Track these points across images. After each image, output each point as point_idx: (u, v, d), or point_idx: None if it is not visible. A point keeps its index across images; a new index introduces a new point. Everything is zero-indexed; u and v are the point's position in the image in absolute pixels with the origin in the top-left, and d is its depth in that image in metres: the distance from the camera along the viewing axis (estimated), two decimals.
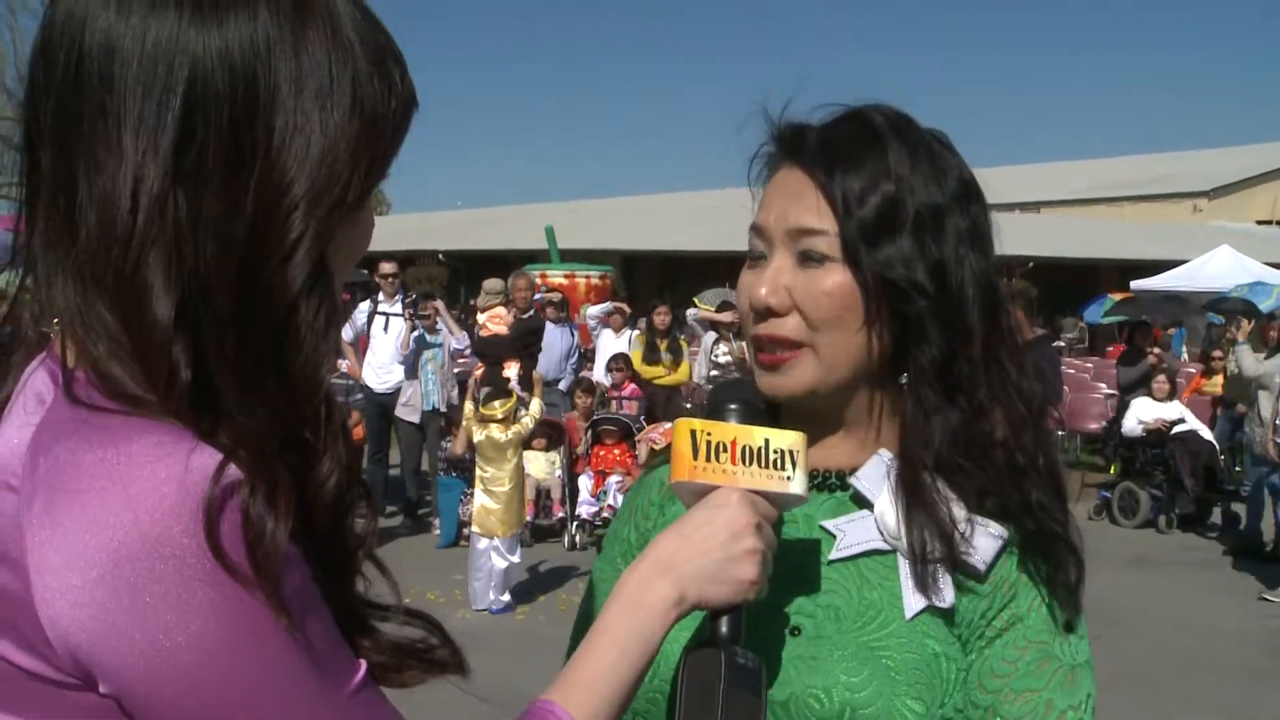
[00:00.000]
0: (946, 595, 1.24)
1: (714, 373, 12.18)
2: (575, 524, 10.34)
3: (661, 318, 12.93)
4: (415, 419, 10.89)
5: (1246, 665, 7.42)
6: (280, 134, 0.91)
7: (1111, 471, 12.28)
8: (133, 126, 0.88)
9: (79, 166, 0.89)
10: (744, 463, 1.17)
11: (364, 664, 0.95)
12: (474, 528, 8.29)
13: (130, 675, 0.83)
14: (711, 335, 12.62)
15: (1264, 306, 16.67)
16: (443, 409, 11.12)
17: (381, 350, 10.92)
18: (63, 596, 0.82)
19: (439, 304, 11.63)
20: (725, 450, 1.17)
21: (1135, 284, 22.45)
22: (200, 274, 0.89)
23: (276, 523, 0.86)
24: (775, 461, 1.18)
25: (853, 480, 1.32)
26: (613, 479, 10.50)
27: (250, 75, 0.90)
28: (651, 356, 12.67)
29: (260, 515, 0.85)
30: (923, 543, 1.25)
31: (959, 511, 1.25)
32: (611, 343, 13.48)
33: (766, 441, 1.18)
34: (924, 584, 1.24)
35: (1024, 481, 1.27)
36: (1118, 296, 23.27)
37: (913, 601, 1.25)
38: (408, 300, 11.12)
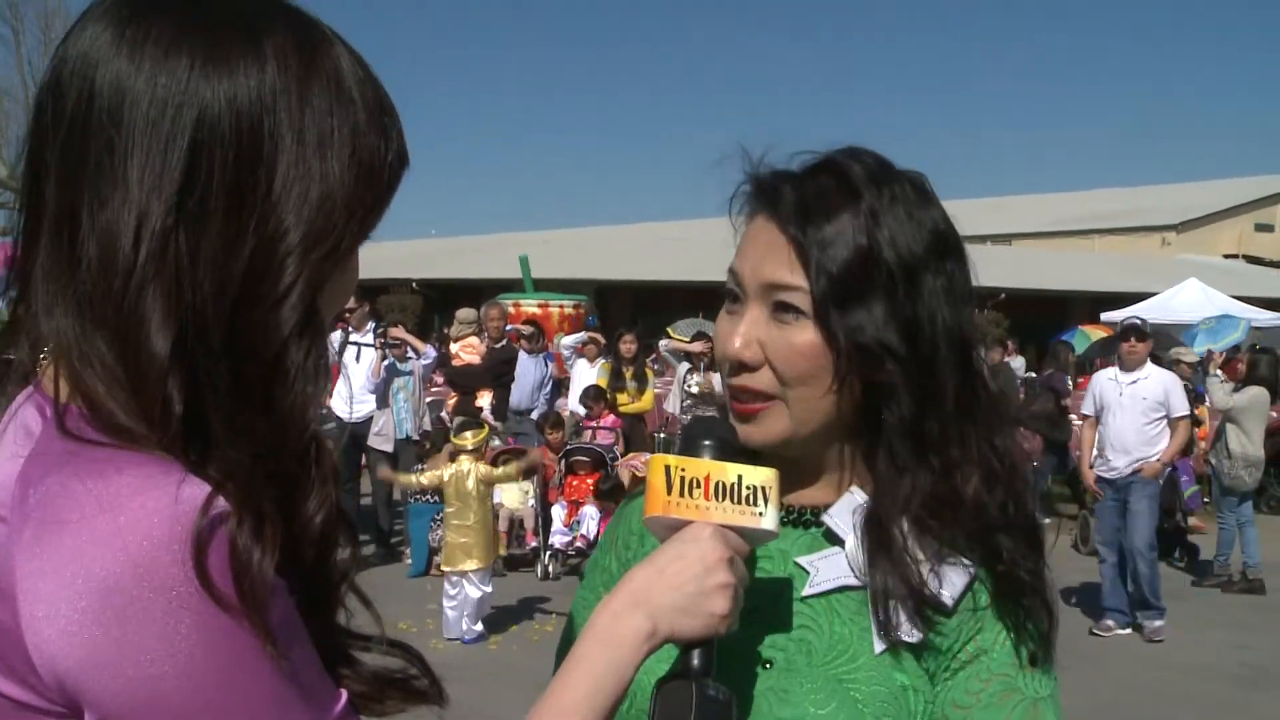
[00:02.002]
0: (914, 631, 1.26)
1: (687, 402, 12.20)
2: (548, 554, 10.32)
3: (627, 346, 12.93)
4: (389, 448, 10.86)
5: (1215, 698, 7.45)
6: (281, 180, 0.94)
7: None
8: (139, 165, 0.90)
9: (83, 201, 0.91)
10: (717, 498, 1.19)
11: (345, 693, 0.97)
12: (444, 566, 8.27)
13: (117, 704, 0.84)
14: (685, 366, 12.65)
15: (1230, 340, 16.90)
16: (415, 437, 11.11)
17: (353, 380, 10.91)
18: (51, 625, 0.83)
19: (399, 330, 11.60)
20: (699, 486, 1.19)
21: (1106, 316, 22.63)
22: (197, 311, 0.91)
23: (263, 554, 0.87)
24: (748, 497, 1.19)
25: (825, 518, 1.33)
26: (586, 509, 10.49)
27: (255, 123, 0.93)
28: (617, 384, 12.67)
29: (247, 546, 0.86)
30: (886, 585, 1.26)
31: (925, 554, 1.26)
32: (586, 372, 13.49)
33: (739, 478, 1.20)
34: (888, 623, 1.26)
35: (995, 536, 1.29)
36: (1090, 329, 23.44)
37: (879, 638, 1.26)
38: (379, 330, 11.13)
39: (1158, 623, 8.75)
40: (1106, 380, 9.11)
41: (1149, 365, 8.94)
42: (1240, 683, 7.79)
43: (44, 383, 0.95)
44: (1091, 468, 9.12)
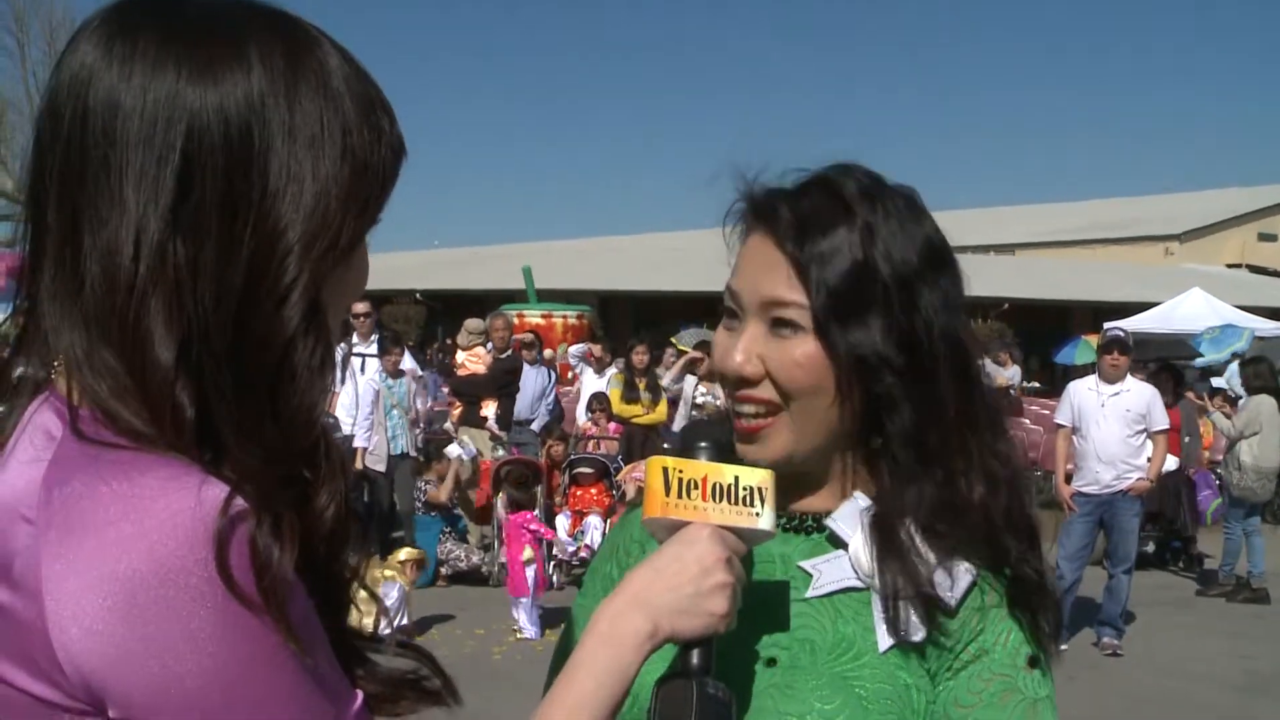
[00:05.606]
0: (918, 631, 1.28)
1: (694, 414, 12.16)
2: (553, 564, 10.31)
3: (640, 357, 12.91)
4: (381, 467, 10.84)
5: (1222, 707, 7.44)
6: (274, 183, 0.95)
7: None
8: (134, 180, 0.92)
9: (83, 219, 0.93)
10: (714, 499, 1.21)
11: (360, 693, 0.99)
12: None
13: (140, 701, 0.86)
14: (692, 380, 12.60)
15: (1234, 348, 16.91)
16: (411, 453, 11.02)
17: (353, 390, 10.87)
18: (77, 624, 0.85)
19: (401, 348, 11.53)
20: (696, 487, 1.21)
21: (1109, 325, 22.62)
22: (200, 318, 0.92)
23: (282, 551, 0.89)
24: (744, 498, 1.21)
25: (828, 522, 1.35)
26: (591, 518, 10.49)
27: (245, 128, 0.94)
28: (630, 395, 12.65)
29: (267, 544, 0.88)
30: (895, 585, 1.28)
31: (931, 555, 1.29)
32: (593, 382, 13.50)
33: (736, 479, 1.22)
34: (896, 621, 1.28)
35: (1000, 538, 1.31)
36: (1093, 339, 23.43)
37: (885, 636, 1.28)
38: (381, 339, 11.08)
39: (1118, 640, 8.60)
40: (1085, 390, 8.86)
41: (1130, 378, 8.79)
42: (1245, 691, 7.78)
43: (58, 389, 0.96)
44: (1069, 481, 8.91)
